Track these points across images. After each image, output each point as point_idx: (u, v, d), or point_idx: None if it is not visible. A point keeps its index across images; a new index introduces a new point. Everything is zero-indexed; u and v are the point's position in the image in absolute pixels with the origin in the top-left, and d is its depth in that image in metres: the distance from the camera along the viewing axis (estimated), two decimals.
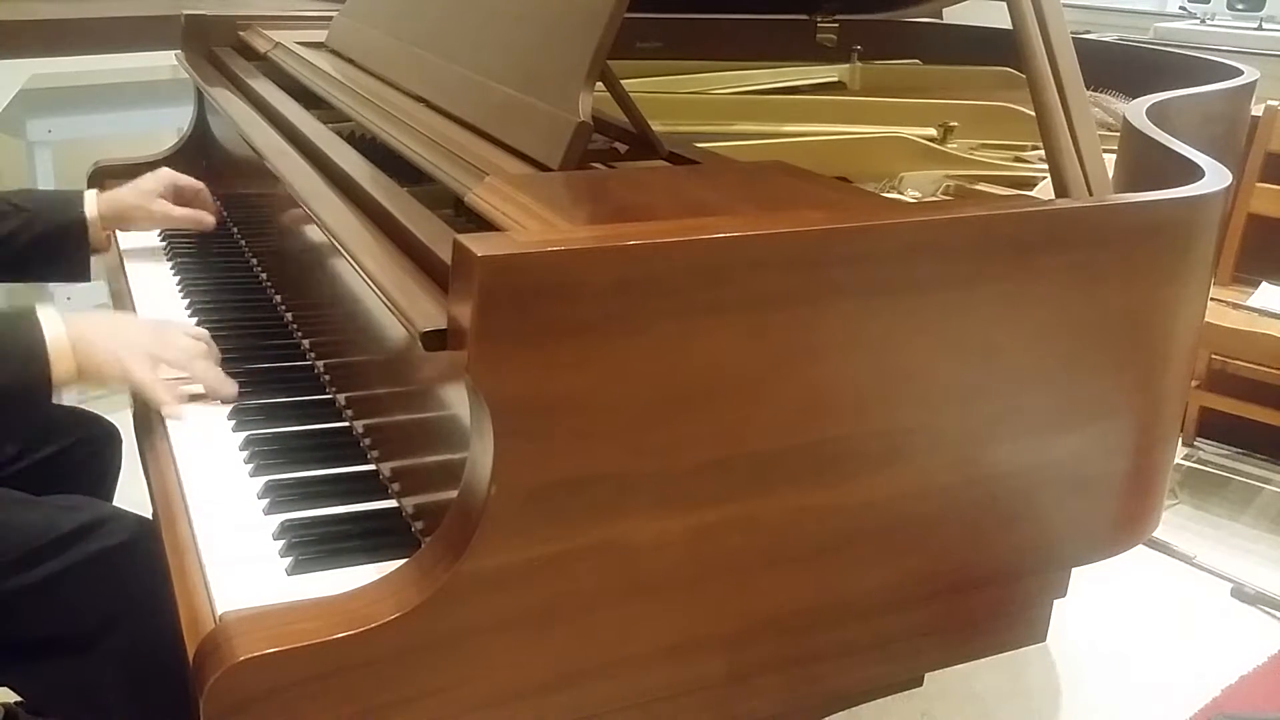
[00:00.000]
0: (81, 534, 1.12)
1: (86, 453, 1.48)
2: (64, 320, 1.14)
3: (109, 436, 1.53)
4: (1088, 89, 1.15)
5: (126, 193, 1.58)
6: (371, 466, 1.10)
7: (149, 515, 1.10)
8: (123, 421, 1.26)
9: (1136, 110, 1.34)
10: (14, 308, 1.19)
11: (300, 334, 1.39)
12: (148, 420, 1.17)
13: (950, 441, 0.99)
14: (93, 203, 1.55)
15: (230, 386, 1.20)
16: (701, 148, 1.26)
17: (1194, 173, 1.14)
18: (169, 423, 1.15)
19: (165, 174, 1.64)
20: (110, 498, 1.52)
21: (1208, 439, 2.93)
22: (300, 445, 1.13)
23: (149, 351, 1.16)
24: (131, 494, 1.35)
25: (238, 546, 0.96)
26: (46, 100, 2.80)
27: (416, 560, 0.84)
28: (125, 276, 1.60)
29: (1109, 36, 3.29)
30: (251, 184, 1.64)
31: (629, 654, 0.91)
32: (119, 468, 1.55)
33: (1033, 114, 1.11)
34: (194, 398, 1.19)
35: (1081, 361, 1.05)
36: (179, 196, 1.64)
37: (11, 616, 1.12)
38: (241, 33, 1.98)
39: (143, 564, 1.11)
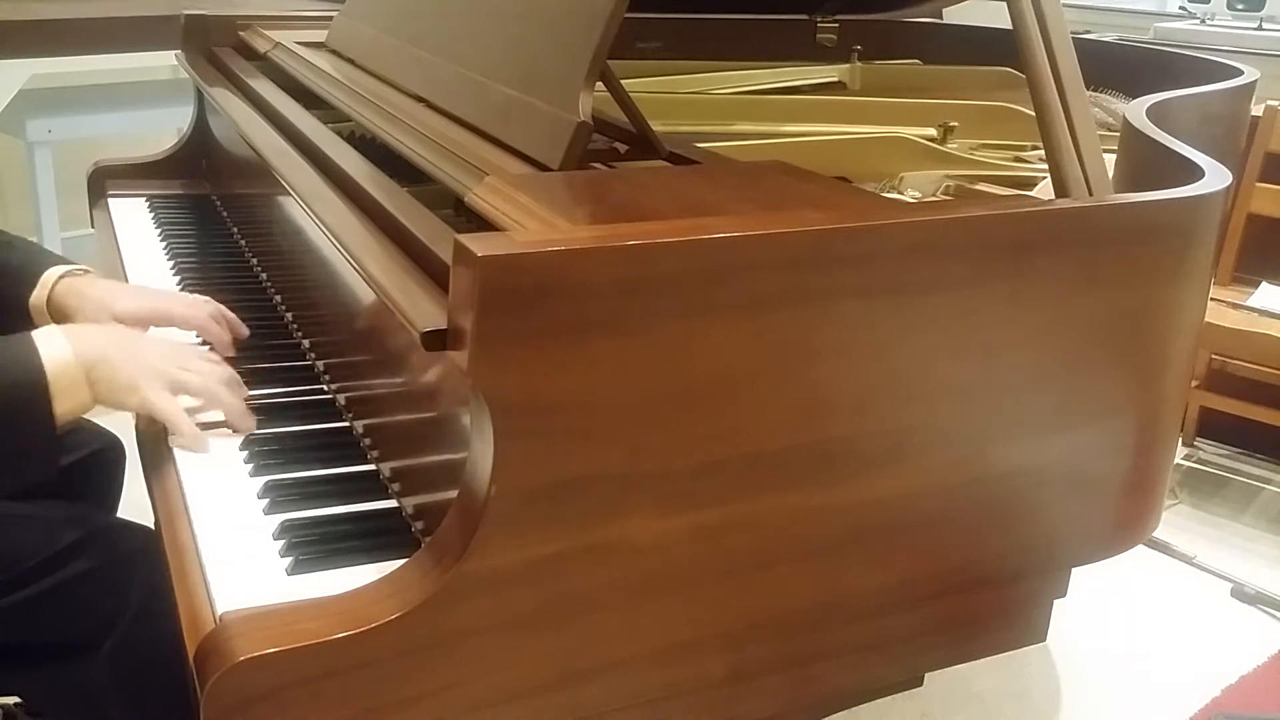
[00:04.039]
0: (83, 546, 1.12)
1: (90, 466, 1.46)
2: (69, 340, 1.02)
3: (113, 449, 1.50)
4: (1088, 89, 1.15)
5: (84, 310, 1.24)
6: (371, 466, 1.10)
7: (150, 518, 1.10)
8: (122, 427, 1.23)
9: (1136, 110, 1.34)
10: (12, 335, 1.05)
11: (300, 334, 1.39)
12: (149, 422, 1.16)
13: (950, 441, 0.99)
14: (45, 289, 1.26)
15: (251, 420, 1.11)
16: (701, 148, 1.26)
17: (1194, 173, 1.14)
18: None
19: (138, 310, 1.25)
20: (115, 509, 1.50)
21: (1208, 439, 2.93)
22: (300, 445, 1.13)
23: (169, 377, 1.06)
24: (132, 493, 1.35)
25: (238, 546, 0.96)
26: (46, 100, 2.80)
27: (417, 560, 0.84)
28: (124, 275, 1.60)
29: (1109, 36, 3.29)
30: (251, 184, 1.64)
31: (629, 654, 0.91)
32: (122, 479, 1.52)
33: (1033, 114, 1.11)
34: (207, 426, 1.11)
35: (1081, 361, 1.05)
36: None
37: (12, 626, 1.12)
38: (241, 33, 1.98)
39: (145, 573, 1.11)
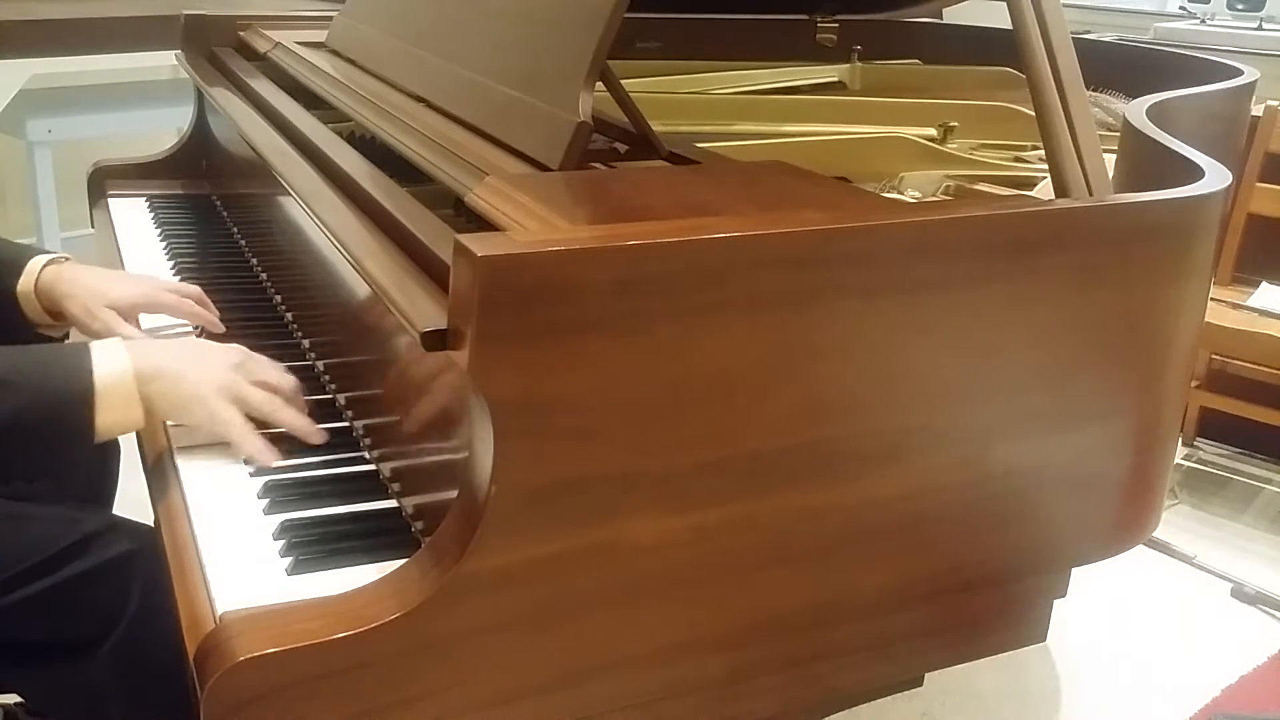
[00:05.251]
0: (82, 546, 1.12)
1: (89, 464, 1.45)
2: (130, 355, 1.02)
3: (110, 446, 1.51)
4: (1088, 89, 1.15)
5: (77, 297, 1.26)
6: (371, 466, 1.10)
7: (149, 515, 1.10)
8: None
9: (1136, 110, 1.34)
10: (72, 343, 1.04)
11: (300, 334, 1.39)
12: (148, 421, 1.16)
13: (950, 442, 0.99)
14: (31, 277, 1.27)
15: (318, 434, 1.09)
16: (701, 148, 1.26)
17: (1194, 173, 1.14)
18: (170, 423, 1.13)
19: (131, 297, 1.28)
20: (111, 504, 1.51)
21: (1208, 439, 2.92)
22: (300, 445, 1.13)
23: (233, 392, 1.04)
24: (132, 491, 1.34)
25: (238, 546, 0.96)
26: (46, 100, 2.80)
27: (417, 560, 0.85)
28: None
29: (1109, 36, 3.29)
30: (251, 184, 1.64)
31: (629, 654, 0.91)
32: (118, 474, 1.53)
33: (1033, 114, 1.11)
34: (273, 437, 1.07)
35: (1082, 361, 1.05)
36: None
37: (12, 625, 1.11)
38: (241, 33, 1.98)
39: (144, 572, 1.11)
